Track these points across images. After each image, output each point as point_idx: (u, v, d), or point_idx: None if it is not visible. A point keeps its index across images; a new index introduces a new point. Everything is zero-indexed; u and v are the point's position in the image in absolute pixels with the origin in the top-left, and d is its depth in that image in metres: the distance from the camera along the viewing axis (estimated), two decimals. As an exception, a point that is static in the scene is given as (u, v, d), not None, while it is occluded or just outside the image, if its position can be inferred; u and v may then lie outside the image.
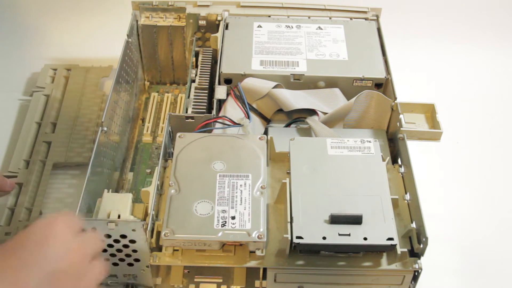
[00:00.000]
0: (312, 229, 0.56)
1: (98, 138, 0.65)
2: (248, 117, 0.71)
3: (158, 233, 0.59)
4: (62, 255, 0.47)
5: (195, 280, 0.63)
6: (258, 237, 0.56)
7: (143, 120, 0.86)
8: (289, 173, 0.63)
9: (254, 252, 0.58)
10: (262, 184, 0.61)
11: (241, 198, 0.59)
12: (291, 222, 0.57)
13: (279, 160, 0.66)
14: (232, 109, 0.72)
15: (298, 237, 0.56)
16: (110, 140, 0.70)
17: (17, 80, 0.96)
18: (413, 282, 0.60)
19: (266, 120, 0.74)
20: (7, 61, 1.01)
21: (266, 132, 0.71)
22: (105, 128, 0.67)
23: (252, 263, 0.58)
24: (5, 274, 0.44)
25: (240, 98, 0.73)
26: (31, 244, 0.46)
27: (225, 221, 0.57)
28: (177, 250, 0.59)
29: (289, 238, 0.56)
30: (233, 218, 0.58)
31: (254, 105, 0.74)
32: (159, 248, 0.59)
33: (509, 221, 0.77)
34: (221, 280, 0.63)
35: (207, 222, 0.57)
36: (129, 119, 0.81)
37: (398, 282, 0.60)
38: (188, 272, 0.63)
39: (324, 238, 0.56)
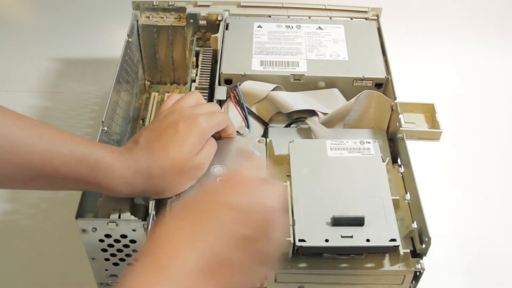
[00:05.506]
0: (314, 232, 0.56)
1: (98, 138, 0.65)
2: (248, 126, 0.71)
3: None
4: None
5: (196, 280, 0.63)
6: (259, 239, 0.56)
7: (143, 120, 0.86)
8: (289, 176, 0.63)
9: (255, 255, 0.57)
10: (262, 186, 0.61)
11: None
12: (293, 225, 0.57)
13: (278, 163, 0.66)
14: (232, 115, 0.72)
15: (300, 240, 0.56)
16: (110, 140, 0.70)
17: (17, 80, 0.96)
18: (413, 282, 0.60)
19: (265, 124, 0.74)
20: (7, 61, 1.01)
21: (266, 132, 0.71)
22: (106, 128, 0.67)
23: (254, 266, 0.58)
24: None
25: (239, 103, 0.73)
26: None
27: None
28: None
29: (292, 241, 0.56)
30: None
31: (253, 109, 0.74)
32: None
33: (510, 220, 0.77)
34: (221, 280, 0.63)
35: None
36: (130, 119, 0.81)
37: (399, 281, 0.60)
38: (189, 272, 0.63)
39: (326, 240, 0.56)
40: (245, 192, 0.44)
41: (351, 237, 0.56)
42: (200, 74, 0.77)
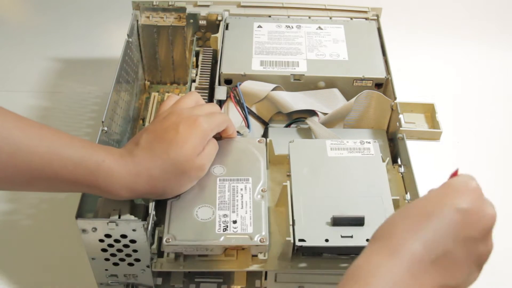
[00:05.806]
0: (314, 232, 0.56)
1: (98, 138, 0.65)
2: (248, 126, 0.71)
3: (160, 239, 0.58)
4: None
5: (196, 280, 0.63)
6: (260, 240, 0.56)
7: (143, 120, 0.86)
8: (289, 176, 0.63)
9: (256, 255, 0.57)
10: (263, 187, 0.61)
11: (242, 202, 0.59)
12: (293, 225, 0.57)
13: (278, 163, 0.66)
14: (232, 115, 0.72)
15: (300, 240, 0.56)
16: (110, 140, 0.70)
17: (17, 80, 0.96)
18: (413, 282, 0.60)
19: (265, 124, 0.74)
20: (7, 61, 1.01)
21: (266, 132, 0.71)
22: (106, 128, 0.67)
23: (254, 267, 0.58)
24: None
25: (239, 103, 0.73)
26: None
27: (227, 226, 0.57)
28: (179, 256, 0.58)
29: (292, 241, 0.56)
30: (234, 222, 0.57)
31: (253, 109, 0.74)
32: (160, 254, 0.59)
33: (510, 220, 0.77)
34: (221, 280, 0.63)
35: (208, 227, 0.57)
36: (130, 119, 0.81)
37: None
38: (189, 272, 0.63)
39: (326, 240, 0.56)
40: (471, 198, 0.46)
41: (351, 237, 0.56)
42: (200, 74, 0.77)
